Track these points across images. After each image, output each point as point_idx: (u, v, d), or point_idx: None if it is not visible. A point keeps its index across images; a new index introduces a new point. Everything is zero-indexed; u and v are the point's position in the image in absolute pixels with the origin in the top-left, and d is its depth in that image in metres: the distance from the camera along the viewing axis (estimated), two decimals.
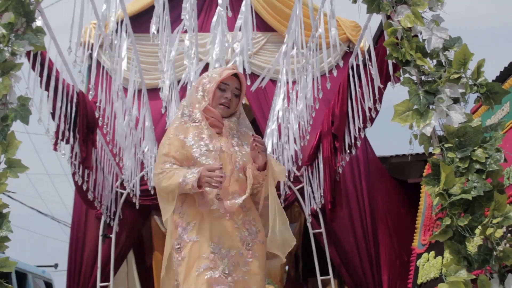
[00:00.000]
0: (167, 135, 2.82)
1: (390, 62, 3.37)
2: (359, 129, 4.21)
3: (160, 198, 2.77)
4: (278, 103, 5.03)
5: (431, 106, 2.43)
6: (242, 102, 2.95)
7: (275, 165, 2.76)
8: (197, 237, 2.62)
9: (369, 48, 3.65)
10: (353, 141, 4.41)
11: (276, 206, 2.72)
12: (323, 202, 5.57)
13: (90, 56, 4.57)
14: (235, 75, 2.84)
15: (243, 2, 4.15)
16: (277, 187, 5.72)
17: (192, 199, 2.69)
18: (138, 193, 5.85)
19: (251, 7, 4.17)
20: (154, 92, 5.88)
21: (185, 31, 4.38)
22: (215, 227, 2.62)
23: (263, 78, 4.81)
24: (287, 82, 4.79)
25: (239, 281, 2.56)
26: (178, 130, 2.78)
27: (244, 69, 4.22)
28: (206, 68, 5.43)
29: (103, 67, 4.26)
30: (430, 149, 2.42)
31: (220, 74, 2.82)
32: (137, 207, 5.99)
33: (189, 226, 2.66)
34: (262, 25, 6.69)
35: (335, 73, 4.25)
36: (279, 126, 5.37)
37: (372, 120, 4.07)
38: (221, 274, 2.54)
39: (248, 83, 4.66)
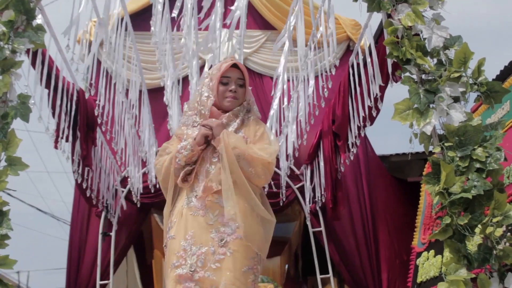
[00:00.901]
0: (173, 137, 2.92)
1: (390, 61, 3.36)
2: (359, 127, 4.21)
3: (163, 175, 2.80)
4: (277, 101, 5.03)
5: (431, 105, 2.42)
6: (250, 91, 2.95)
7: (240, 143, 2.70)
8: (174, 235, 2.68)
9: (369, 46, 3.65)
10: (353, 140, 4.41)
11: (225, 187, 2.64)
12: (323, 201, 5.57)
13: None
14: (235, 66, 2.84)
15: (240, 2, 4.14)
16: (277, 186, 5.75)
17: (179, 197, 2.76)
18: (138, 191, 5.85)
19: (251, 5, 4.16)
20: (154, 91, 5.88)
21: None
22: (190, 225, 2.65)
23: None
24: (288, 80, 4.79)
25: (206, 279, 2.54)
26: (178, 135, 2.86)
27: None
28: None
29: (102, 65, 4.25)
30: (430, 148, 2.42)
31: (219, 69, 2.83)
32: (138, 205, 6.00)
33: (171, 224, 2.72)
34: (262, 23, 6.68)
35: (334, 71, 4.24)
36: (279, 124, 5.36)
37: (372, 119, 4.06)
38: (188, 271, 2.56)
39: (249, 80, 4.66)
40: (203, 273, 2.55)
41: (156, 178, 5.67)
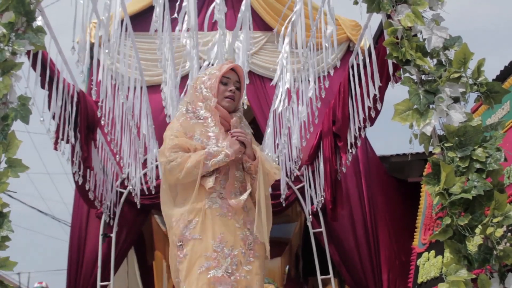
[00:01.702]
0: (172, 128, 2.79)
1: (390, 62, 3.36)
2: (360, 128, 4.21)
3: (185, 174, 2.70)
4: (278, 102, 5.03)
5: (431, 106, 2.42)
6: (244, 97, 2.98)
7: (265, 160, 2.78)
8: (199, 235, 2.61)
9: (369, 47, 3.65)
10: (353, 140, 4.42)
11: (262, 204, 2.68)
12: (323, 202, 5.57)
13: (91, 55, 4.57)
14: (234, 70, 2.87)
15: (243, 2, 4.14)
16: (277, 187, 5.75)
17: (195, 196, 2.67)
18: (138, 192, 5.85)
19: (251, 7, 4.17)
20: (153, 87, 5.89)
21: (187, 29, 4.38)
22: (218, 226, 2.61)
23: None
24: (294, 81, 4.79)
25: (242, 281, 2.54)
26: (184, 127, 2.77)
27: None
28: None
29: (103, 65, 4.26)
30: (430, 149, 2.42)
31: (220, 69, 2.85)
32: (139, 207, 6.00)
33: (192, 224, 2.64)
34: (262, 25, 6.69)
35: (334, 72, 4.25)
36: (279, 125, 5.36)
37: (372, 119, 4.06)
38: (224, 273, 2.53)
39: (248, 82, 4.66)
40: (238, 275, 2.55)
41: (156, 178, 5.68)
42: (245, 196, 2.67)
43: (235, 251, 2.59)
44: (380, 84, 3.54)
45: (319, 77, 4.26)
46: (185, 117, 2.81)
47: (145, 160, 5.72)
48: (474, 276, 2.16)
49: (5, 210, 2.52)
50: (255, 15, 6.57)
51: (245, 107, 4.04)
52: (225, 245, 2.58)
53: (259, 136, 5.47)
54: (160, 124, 5.95)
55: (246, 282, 2.55)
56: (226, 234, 2.60)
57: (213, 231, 2.60)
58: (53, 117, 3.93)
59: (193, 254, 2.59)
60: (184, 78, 5.19)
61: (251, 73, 6.45)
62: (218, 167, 2.68)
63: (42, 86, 3.68)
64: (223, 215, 2.64)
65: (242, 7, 4.11)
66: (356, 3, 2.84)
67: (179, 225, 2.67)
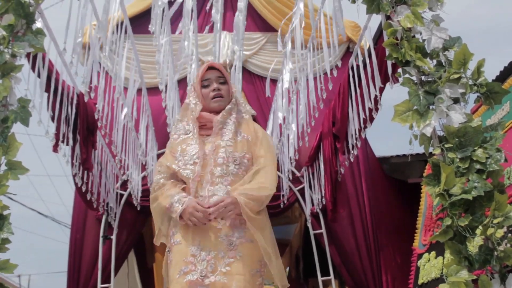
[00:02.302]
0: (167, 150, 2.89)
1: (389, 63, 3.36)
2: (360, 129, 4.21)
3: (153, 213, 2.81)
4: (278, 103, 5.03)
5: (431, 106, 2.42)
6: (239, 93, 2.97)
7: (250, 193, 2.64)
8: (180, 240, 2.65)
9: (369, 48, 3.65)
10: (353, 141, 4.41)
11: (269, 247, 2.67)
12: (323, 203, 5.57)
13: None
14: (212, 68, 2.88)
15: (241, 3, 4.14)
16: (278, 188, 5.74)
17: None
18: (138, 194, 5.85)
19: (252, 7, 4.16)
20: (153, 90, 5.88)
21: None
22: (198, 230, 2.62)
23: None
24: (294, 81, 4.79)
25: (217, 283, 2.53)
26: (169, 148, 2.86)
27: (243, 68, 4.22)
28: None
29: (103, 68, 4.26)
30: (430, 149, 2.42)
31: (198, 75, 2.90)
32: (138, 208, 6.00)
33: (176, 229, 2.69)
34: (262, 25, 6.69)
35: (335, 73, 4.24)
36: (279, 126, 5.37)
37: (372, 120, 4.07)
38: (199, 276, 2.54)
39: (248, 82, 4.68)
40: (213, 278, 2.53)
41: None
42: (220, 225, 2.64)
43: (212, 253, 2.58)
44: (382, 86, 3.55)
45: (319, 77, 4.26)
46: (172, 137, 2.88)
47: (146, 162, 5.72)
48: (474, 277, 2.16)
49: (5, 213, 2.52)
50: (256, 15, 6.58)
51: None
52: (203, 248, 2.59)
53: None
54: (161, 127, 5.96)
55: (222, 284, 2.53)
56: (204, 238, 2.61)
57: (192, 236, 2.62)
58: (53, 119, 3.92)
59: (175, 259, 2.64)
60: (184, 80, 5.20)
61: (250, 74, 6.46)
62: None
63: (44, 89, 3.67)
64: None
65: (240, 5, 4.11)
66: (354, 2, 2.84)
67: (170, 231, 2.73)
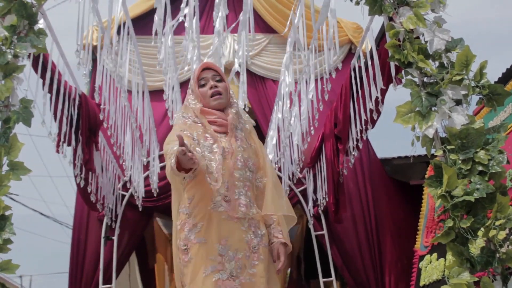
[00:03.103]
0: (173, 131, 2.80)
1: (392, 64, 3.36)
2: (361, 131, 4.20)
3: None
4: (280, 104, 5.03)
5: (433, 108, 2.42)
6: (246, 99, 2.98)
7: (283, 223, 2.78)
8: (204, 238, 2.60)
9: (371, 50, 3.65)
10: (355, 143, 4.41)
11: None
12: (325, 204, 5.57)
13: (93, 58, 4.58)
14: (208, 69, 2.89)
15: (243, 5, 4.14)
16: None
17: (200, 198, 2.67)
18: (141, 195, 5.85)
19: (253, 9, 4.16)
20: (156, 94, 5.90)
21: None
22: (223, 229, 2.61)
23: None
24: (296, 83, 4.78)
25: (246, 284, 2.54)
26: (182, 127, 2.77)
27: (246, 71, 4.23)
28: None
29: (106, 69, 4.27)
30: (433, 151, 2.42)
31: (194, 76, 2.90)
32: (140, 209, 6.00)
33: (197, 227, 2.64)
34: (264, 27, 6.70)
35: (336, 74, 4.24)
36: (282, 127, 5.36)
37: (374, 122, 4.06)
38: (229, 276, 2.53)
39: (250, 84, 4.68)
40: (242, 278, 2.55)
41: (158, 181, 5.68)
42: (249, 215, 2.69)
43: (240, 254, 2.58)
44: (384, 87, 3.54)
45: (321, 79, 4.26)
46: (182, 121, 2.83)
47: (147, 163, 5.72)
48: (476, 279, 2.16)
49: (7, 213, 2.52)
50: (257, 16, 6.58)
51: (247, 109, 4.04)
52: (230, 248, 2.58)
53: (260, 137, 5.46)
54: (164, 130, 5.97)
55: (251, 284, 2.55)
56: (231, 237, 2.60)
57: (218, 235, 2.59)
58: (55, 120, 3.93)
59: (198, 258, 2.59)
60: (186, 82, 5.19)
61: (253, 74, 6.46)
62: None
63: (46, 90, 3.68)
64: (228, 218, 2.63)
65: (246, 9, 4.11)
66: (357, 3, 2.84)
67: (184, 228, 2.66)
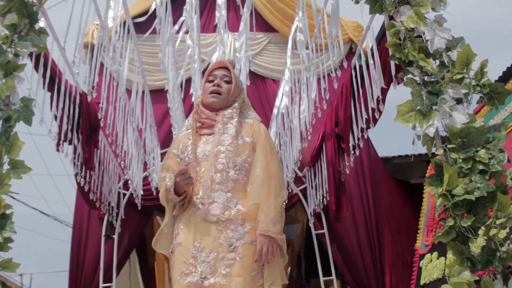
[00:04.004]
0: (172, 145, 2.97)
1: (392, 63, 3.36)
2: (362, 129, 4.20)
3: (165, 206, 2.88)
4: (281, 103, 5.03)
5: (434, 107, 2.42)
6: (243, 93, 2.99)
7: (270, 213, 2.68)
8: (180, 241, 2.67)
9: (371, 48, 3.65)
10: (356, 142, 4.40)
11: None
12: (325, 203, 5.56)
13: (93, 57, 4.57)
14: (222, 67, 2.93)
15: (245, 4, 4.14)
16: None
17: (189, 206, 2.74)
18: (140, 193, 5.85)
19: (253, 8, 4.16)
20: (156, 94, 5.89)
21: (187, 32, 4.40)
22: (198, 231, 2.65)
23: None
24: (295, 82, 4.79)
25: (216, 285, 2.54)
26: (173, 146, 2.91)
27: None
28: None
29: (106, 68, 4.26)
30: (433, 150, 2.42)
31: (207, 70, 2.96)
32: (139, 208, 5.99)
33: (178, 230, 2.72)
34: (264, 26, 6.69)
35: (339, 73, 4.24)
36: (283, 126, 5.36)
37: (375, 120, 4.06)
38: (199, 278, 2.55)
39: (249, 83, 4.67)
40: (213, 280, 2.54)
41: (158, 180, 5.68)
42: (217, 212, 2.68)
43: (212, 255, 2.59)
44: (386, 87, 3.54)
45: (320, 78, 4.25)
46: (177, 135, 2.97)
47: (148, 161, 5.72)
48: (477, 278, 2.16)
49: (7, 212, 2.52)
50: (257, 15, 6.57)
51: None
52: (203, 250, 2.61)
53: None
54: (165, 129, 5.98)
55: (222, 285, 2.53)
56: (205, 239, 2.62)
57: (193, 237, 2.64)
58: (55, 119, 3.92)
59: (176, 261, 2.66)
60: (188, 81, 5.19)
61: (253, 74, 6.45)
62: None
63: (46, 89, 3.68)
64: (203, 220, 2.66)
65: (244, 9, 4.11)
66: (357, 2, 2.84)
67: (174, 231, 2.76)
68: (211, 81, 2.88)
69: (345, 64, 3.92)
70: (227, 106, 2.86)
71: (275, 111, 5.29)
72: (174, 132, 5.15)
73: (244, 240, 2.63)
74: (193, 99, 4.63)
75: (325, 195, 5.43)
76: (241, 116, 2.87)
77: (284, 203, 2.79)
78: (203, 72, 4.84)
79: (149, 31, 4.29)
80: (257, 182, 2.69)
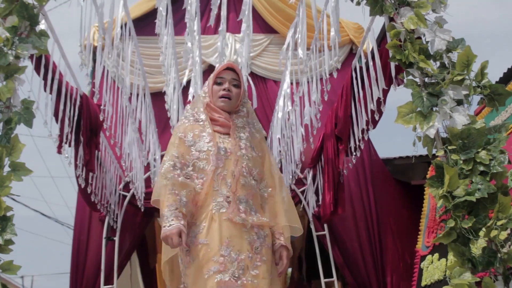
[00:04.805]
0: (174, 134, 2.86)
1: (393, 64, 3.36)
2: (363, 131, 4.20)
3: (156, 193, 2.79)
4: (281, 104, 5.03)
5: (434, 108, 2.42)
6: (248, 101, 2.99)
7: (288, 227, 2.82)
8: (206, 239, 2.62)
9: (372, 50, 3.65)
10: (357, 143, 4.40)
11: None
12: (319, 204, 5.56)
13: (93, 59, 4.57)
14: (231, 69, 2.91)
15: (245, 5, 4.14)
16: None
17: (201, 200, 2.69)
18: (142, 195, 5.85)
19: (253, 9, 4.16)
20: (157, 96, 5.89)
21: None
22: (225, 230, 2.62)
23: None
24: (292, 83, 4.79)
25: (248, 285, 2.55)
26: (180, 129, 2.84)
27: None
28: (211, 70, 5.43)
29: (107, 70, 4.27)
30: (434, 151, 2.42)
31: (215, 71, 2.93)
32: (142, 210, 5.99)
33: (199, 228, 2.65)
34: (264, 27, 6.69)
35: (336, 74, 4.24)
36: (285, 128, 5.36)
37: (375, 122, 4.06)
38: (231, 277, 2.54)
39: (251, 84, 4.68)
40: (244, 279, 2.55)
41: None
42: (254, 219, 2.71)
43: (242, 255, 2.59)
44: (386, 88, 3.54)
45: (321, 79, 4.25)
46: (182, 122, 2.89)
47: (148, 163, 5.72)
48: (478, 279, 2.16)
49: (8, 214, 2.53)
50: (258, 17, 6.57)
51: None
52: (232, 249, 2.59)
53: None
54: (165, 131, 5.97)
55: (253, 286, 2.55)
56: (233, 238, 2.61)
57: (220, 236, 2.60)
58: (56, 121, 3.93)
59: (201, 259, 2.60)
60: (188, 83, 5.19)
61: (253, 75, 6.45)
62: None
63: (47, 91, 3.68)
64: (230, 219, 2.63)
65: (245, 11, 4.11)
66: (358, 3, 2.84)
67: (186, 229, 2.67)
68: (220, 84, 2.87)
69: (338, 66, 3.92)
70: (235, 111, 2.89)
71: (277, 114, 5.28)
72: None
73: (266, 244, 2.69)
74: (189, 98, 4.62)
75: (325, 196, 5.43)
76: (248, 124, 2.91)
77: None
78: (204, 73, 4.86)
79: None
80: (286, 204, 2.83)
